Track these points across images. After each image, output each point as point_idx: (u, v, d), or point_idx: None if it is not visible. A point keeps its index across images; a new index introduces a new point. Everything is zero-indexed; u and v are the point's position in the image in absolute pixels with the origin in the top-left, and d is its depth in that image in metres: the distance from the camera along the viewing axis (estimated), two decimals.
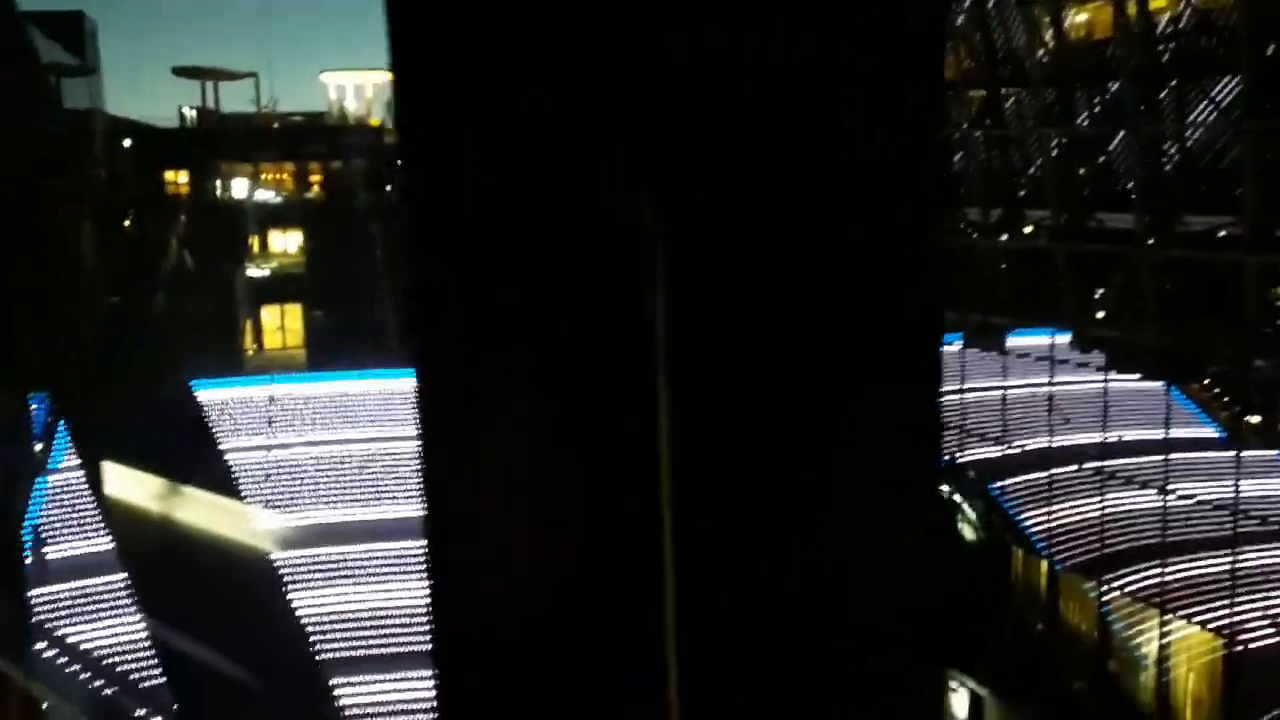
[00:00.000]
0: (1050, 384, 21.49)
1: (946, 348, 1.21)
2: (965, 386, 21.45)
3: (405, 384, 24.14)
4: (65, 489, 18.56)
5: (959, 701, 17.59)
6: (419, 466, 1.16)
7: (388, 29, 1.02)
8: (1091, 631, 18.58)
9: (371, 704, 16.23)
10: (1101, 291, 18.45)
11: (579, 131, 1.01)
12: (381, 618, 18.32)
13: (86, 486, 18.45)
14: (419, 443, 1.14)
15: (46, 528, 17.65)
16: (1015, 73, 20.20)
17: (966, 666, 17.00)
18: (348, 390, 23.90)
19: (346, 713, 14.64)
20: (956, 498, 20.09)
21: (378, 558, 19.60)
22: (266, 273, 32.17)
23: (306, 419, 23.12)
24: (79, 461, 18.20)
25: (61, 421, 19.54)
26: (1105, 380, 19.49)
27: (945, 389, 1.19)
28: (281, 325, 31.48)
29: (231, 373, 24.31)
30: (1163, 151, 17.25)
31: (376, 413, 23.54)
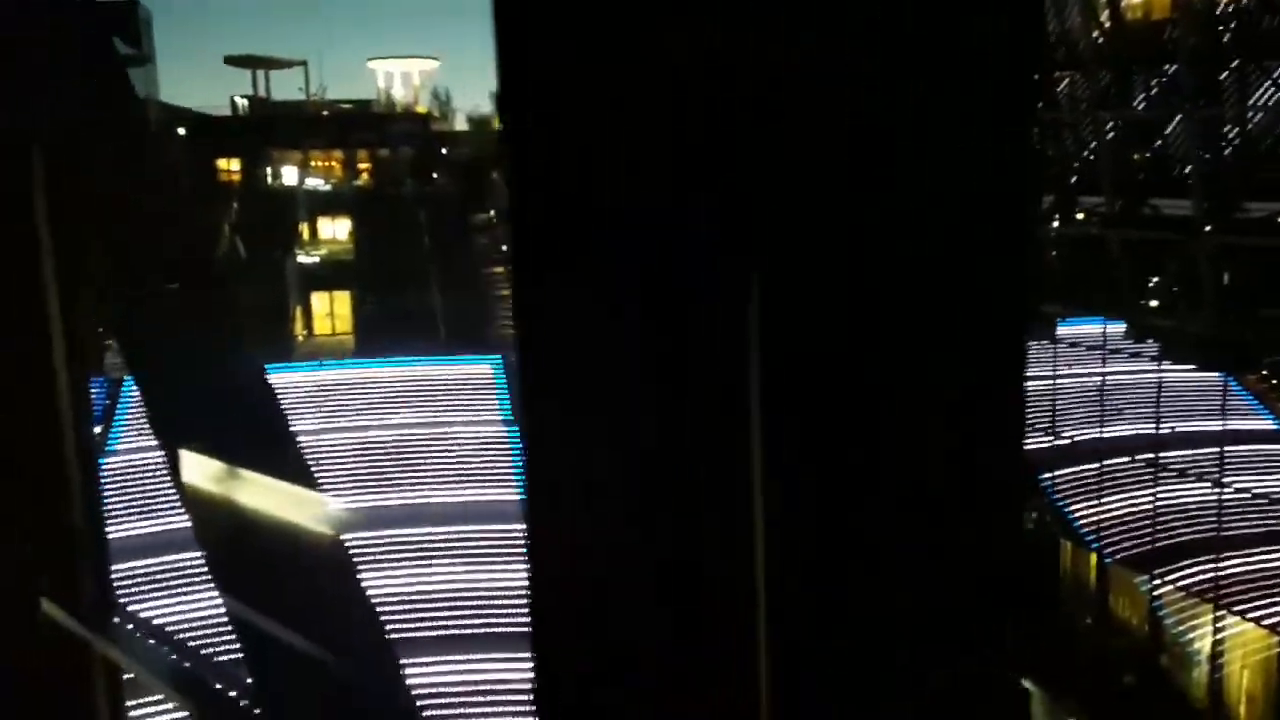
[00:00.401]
0: (1102, 374, 21.10)
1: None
2: None
3: (454, 370, 24.42)
4: (129, 469, 19.09)
5: None
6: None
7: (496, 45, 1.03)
8: (1142, 626, 18.27)
9: (441, 684, 16.54)
10: (1156, 279, 18.05)
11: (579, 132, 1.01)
12: (440, 600, 18.63)
13: (151, 467, 18.98)
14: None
15: (118, 506, 18.19)
16: (1069, 54, 19.78)
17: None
18: (398, 376, 24.22)
19: (416, 691, 14.91)
20: None
21: (426, 541, 19.89)
22: (316, 259, 32.65)
23: (357, 404, 23.49)
24: (144, 443, 18.71)
25: (120, 403, 20.06)
26: (1159, 370, 19.09)
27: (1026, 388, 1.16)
28: (331, 311, 31.94)
29: (282, 358, 24.75)
30: (1222, 135, 16.80)
31: (426, 398, 23.83)
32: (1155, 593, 17.90)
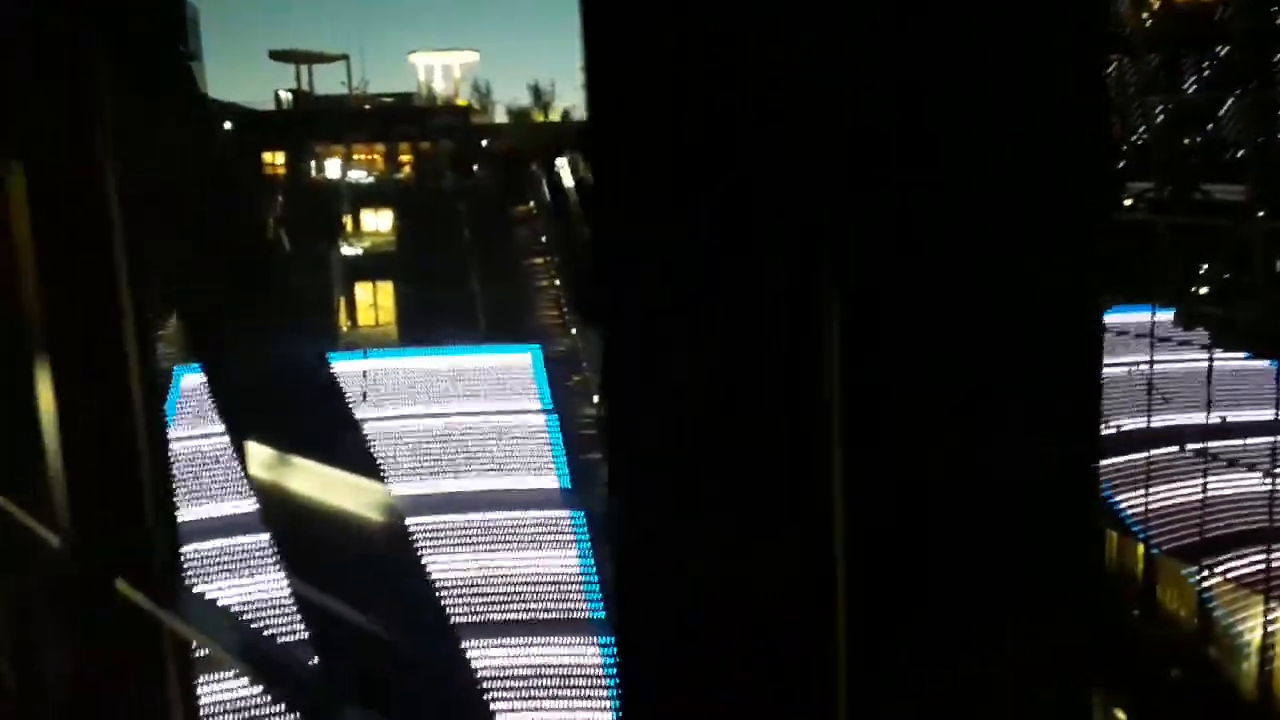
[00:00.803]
0: (1150, 363, 20.75)
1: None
2: None
3: (494, 359, 24.64)
4: (179, 456, 19.54)
5: None
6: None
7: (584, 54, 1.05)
8: (1190, 618, 17.99)
9: (500, 668, 16.75)
10: (1206, 266, 17.70)
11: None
12: (481, 585, 18.84)
13: (201, 454, 19.38)
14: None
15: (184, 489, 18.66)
16: (1116, 38, 19.40)
17: None
18: (440, 365, 24.48)
19: (480, 674, 15.10)
20: None
21: (466, 527, 20.11)
22: (359, 251, 33.01)
23: (401, 393, 23.78)
24: (193, 431, 19.12)
25: (170, 392, 20.49)
26: (1209, 359, 18.73)
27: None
28: (374, 302, 32.29)
29: (327, 348, 25.05)
30: (1275, 118, 16.40)
31: (466, 387, 24.06)
32: (1204, 584, 17.61)
